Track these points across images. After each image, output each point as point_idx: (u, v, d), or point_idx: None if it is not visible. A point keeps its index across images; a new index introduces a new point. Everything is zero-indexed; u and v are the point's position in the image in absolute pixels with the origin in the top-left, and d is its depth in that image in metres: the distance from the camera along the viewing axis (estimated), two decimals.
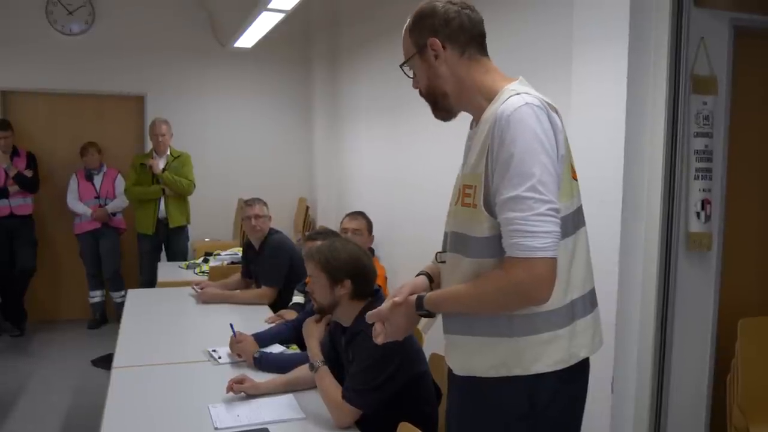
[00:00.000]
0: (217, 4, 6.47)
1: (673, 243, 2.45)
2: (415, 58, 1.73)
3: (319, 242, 2.56)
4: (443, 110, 1.75)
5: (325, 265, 2.34)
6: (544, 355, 1.56)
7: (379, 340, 1.77)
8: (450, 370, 1.76)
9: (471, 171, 1.60)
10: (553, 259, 1.47)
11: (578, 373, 1.66)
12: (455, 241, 1.66)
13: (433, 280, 1.84)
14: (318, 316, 2.49)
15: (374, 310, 1.77)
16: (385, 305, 1.75)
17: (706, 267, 2.59)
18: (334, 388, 2.26)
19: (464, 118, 1.78)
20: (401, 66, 1.78)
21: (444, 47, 1.68)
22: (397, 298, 1.73)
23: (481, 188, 1.55)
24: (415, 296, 1.71)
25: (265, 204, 4.16)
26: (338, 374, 2.37)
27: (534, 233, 1.44)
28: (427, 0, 1.73)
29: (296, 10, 4.60)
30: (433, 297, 1.68)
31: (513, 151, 1.47)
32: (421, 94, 1.78)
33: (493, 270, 1.54)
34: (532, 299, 1.51)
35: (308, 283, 2.48)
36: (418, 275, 1.87)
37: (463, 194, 1.62)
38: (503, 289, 1.51)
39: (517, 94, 1.55)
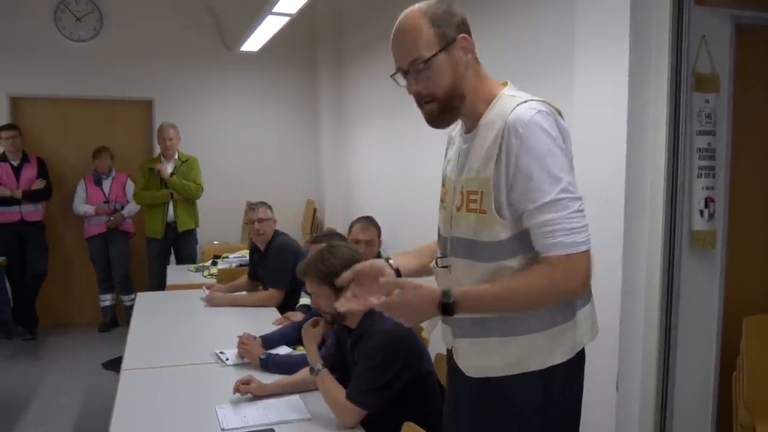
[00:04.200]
0: (224, 8, 6.52)
1: (677, 241, 2.45)
2: (440, 54, 1.58)
3: (323, 245, 2.58)
4: (454, 114, 1.65)
5: (325, 276, 2.34)
6: (556, 347, 1.61)
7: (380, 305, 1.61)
8: (455, 372, 1.76)
9: (475, 176, 1.60)
10: (590, 251, 1.52)
11: (580, 362, 1.70)
12: (462, 247, 1.65)
13: (394, 263, 1.81)
14: (315, 320, 2.50)
15: (396, 280, 1.68)
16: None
17: (711, 265, 2.59)
18: (337, 390, 2.28)
19: None
20: (420, 63, 1.59)
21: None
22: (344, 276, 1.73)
23: (490, 194, 1.55)
24: (437, 293, 1.55)
25: (268, 207, 4.19)
26: (345, 376, 2.38)
27: (574, 229, 1.49)
28: (430, 0, 1.63)
29: (301, 13, 4.64)
30: (468, 296, 1.55)
31: (538, 158, 1.49)
32: (423, 97, 1.63)
33: (534, 268, 1.53)
34: (576, 293, 1.56)
35: (313, 302, 2.48)
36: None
37: (468, 200, 1.61)
38: (549, 286, 1.51)
39: (525, 101, 1.56)
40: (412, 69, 1.61)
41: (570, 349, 1.63)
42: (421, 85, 1.62)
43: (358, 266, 1.74)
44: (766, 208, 2.83)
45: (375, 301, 1.61)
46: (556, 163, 1.50)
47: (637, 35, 2.36)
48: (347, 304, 1.71)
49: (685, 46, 2.41)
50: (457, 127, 1.79)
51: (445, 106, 1.62)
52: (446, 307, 1.53)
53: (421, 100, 1.65)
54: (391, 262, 1.81)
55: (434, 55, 1.58)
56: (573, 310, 1.63)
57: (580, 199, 1.52)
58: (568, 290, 1.54)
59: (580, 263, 1.51)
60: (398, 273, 1.80)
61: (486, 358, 1.64)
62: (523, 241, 1.56)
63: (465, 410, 1.75)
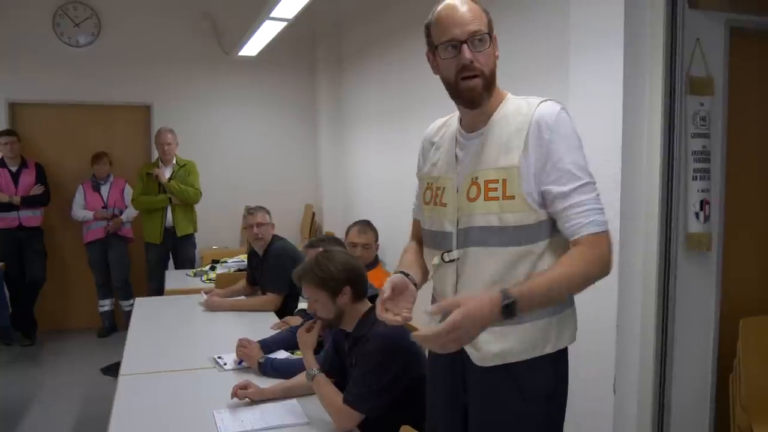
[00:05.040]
0: (222, 13, 6.54)
1: (673, 244, 2.46)
2: (489, 37, 1.69)
3: (320, 249, 2.59)
4: (488, 96, 1.72)
5: (321, 281, 2.35)
6: (564, 330, 1.74)
7: (450, 346, 1.52)
8: (457, 370, 1.79)
9: (493, 165, 1.68)
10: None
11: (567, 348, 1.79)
12: (481, 235, 1.70)
13: (412, 278, 1.80)
14: (309, 325, 2.50)
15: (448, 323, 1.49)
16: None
17: (707, 267, 2.60)
18: (333, 394, 2.28)
19: None
20: (485, 34, 1.67)
21: None
22: (385, 295, 1.68)
23: (518, 180, 1.65)
24: (496, 297, 1.50)
25: (267, 212, 4.19)
26: (343, 380, 2.39)
27: (600, 210, 1.64)
28: None
29: (299, 17, 4.64)
30: (524, 292, 1.52)
31: (568, 148, 1.64)
32: (472, 70, 1.67)
33: (570, 254, 1.62)
34: (610, 267, 1.65)
35: (309, 306, 2.48)
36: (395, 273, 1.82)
37: (486, 189, 1.68)
38: (592, 263, 1.60)
39: (545, 99, 1.69)
40: (471, 39, 1.67)
41: (573, 333, 1.77)
42: (476, 56, 1.68)
43: (394, 279, 1.74)
44: (761, 210, 2.84)
45: (407, 314, 1.66)
46: (580, 152, 1.66)
47: (632, 38, 2.38)
48: (387, 317, 1.67)
49: (680, 50, 2.42)
50: (441, 132, 1.88)
51: (488, 84, 1.70)
52: (509, 307, 1.49)
53: (468, 74, 1.68)
54: (411, 276, 1.81)
55: (491, 34, 1.70)
56: (572, 297, 1.75)
57: (596, 184, 1.67)
58: (603, 267, 1.63)
59: (608, 240, 1.64)
60: (416, 286, 1.81)
61: (505, 344, 1.69)
62: (546, 227, 1.68)
63: (474, 403, 1.78)
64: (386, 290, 1.70)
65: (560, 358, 1.75)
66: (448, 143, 1.83)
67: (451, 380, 1.84)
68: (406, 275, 1.80)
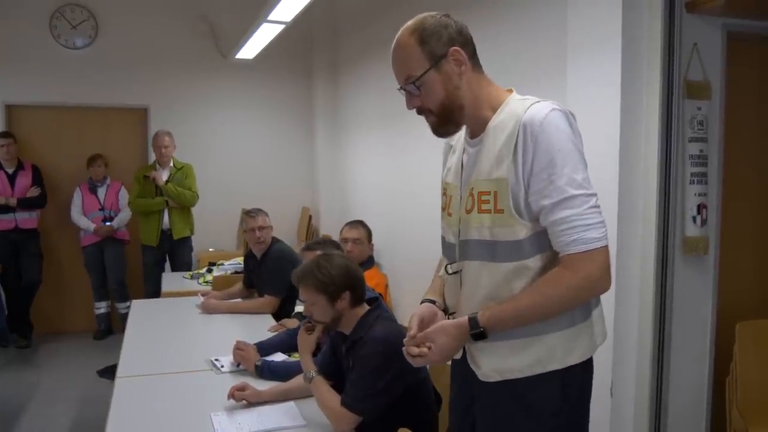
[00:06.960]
0: (219, 16, 6.55)
1: (670, 248, 2.47)
2: (429, 72, 1.63)
3: (318, 252, 2.58)
4: (454, 124, 1.69)
5: (321, 285, 2.33)
6: (574, 347, 1.62)
7: (418, 362, 1.67)
8: (466, 381, 1.75)
9: (486, 177, 1.62)
10: (608, 247, 1.54)
11: (590, 362, 1.70)
12: (476, 249, 1.66)
13: (440, 305, 1.81)
14: (310, 326, 2.49)
15: (421, 334, 1.66)
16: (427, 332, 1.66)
17: (704, 271, 2.60)
18: (331, 396, 2.28)
19: None
20: (411, 83, 1.64)
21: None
22: (412, 332, 1.68)
23: (506, 192, 1.57)
24: (465, 318, 1.61)
25: (266, 215, 4.18)
26: (340, 382, 2.39)
27: (591, 225, 1.52)
28: (423, 15, 1.67)
29: (296, 21, 4.65)
30: (493, 316, 1.59)
31: (553, 155, 1.52)
32: (423, 111, 1.68)
33: (551, 273, 1.56)
34: (599, 290, 1.58)
35: (306, 309, 2.47)
36: (422, 303, 1.82)
37: (480, 201, 1.63)
38: (573, 287, 1.54)
39: (538, 101, 1.60)
40: (405, 87, 1.67)
41: (587, 349, 1.65)
42: (416, 101, 1.67)
43: (422, 312, 1.74)
44: (758, 214, 2.85)
45: (416, 350, 1.65)
46: (571, 160, 1.53)
47: (629, 43, 2.38)
48: (413, 350, 1.67)
49: (677, 54, 2.43)
50: (457, 136, 1.81)
51: (443, 119, 1.67)
52: (478, 335, 1.60)
53: (422, 113, 1.70)
54: (438, 303, 1.81)
55: (423, 74, 1.63)
56: (589, 309, 1.65)
57: (595, 195, 1.54)
58: (590, 288, 1.57)
59: (599, 259, 1.52)
60: (446, 312, 1.80)
61: (505, 360, 1.63)
62: (541, 240, 1.59)
63: (480, 416, 1.74)
64: (413, 327, 1.69)
65: (570, 375, 1.62)
66: (460, 148, 1.77)
67: (462, 395, 1.81)
68: (433, 302, 1.79)
